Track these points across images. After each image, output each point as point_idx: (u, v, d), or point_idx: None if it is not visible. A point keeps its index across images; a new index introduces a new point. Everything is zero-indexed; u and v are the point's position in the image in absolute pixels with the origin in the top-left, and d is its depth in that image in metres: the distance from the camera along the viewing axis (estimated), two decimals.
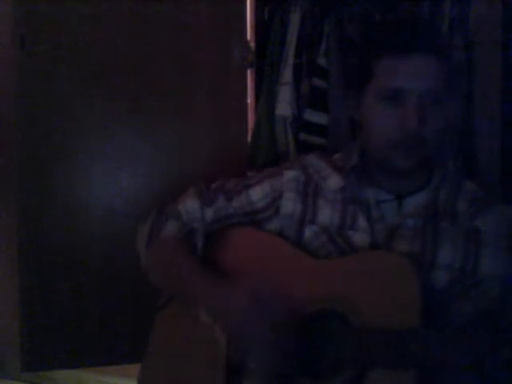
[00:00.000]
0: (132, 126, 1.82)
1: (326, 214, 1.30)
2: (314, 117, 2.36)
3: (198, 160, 1.87)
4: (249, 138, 2.35)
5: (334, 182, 1.33)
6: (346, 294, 1.18)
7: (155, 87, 1.82)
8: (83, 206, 1.79)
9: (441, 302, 1.20)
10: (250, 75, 2.50)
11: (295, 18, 2.46)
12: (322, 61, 2.37)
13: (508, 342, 1.07)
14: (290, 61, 2.46)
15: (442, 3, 2.06)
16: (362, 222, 1.27)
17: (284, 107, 2.47)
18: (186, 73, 1.85)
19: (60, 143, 1.77)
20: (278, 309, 1.18)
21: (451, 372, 1.13)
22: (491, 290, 1.22)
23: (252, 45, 2.57)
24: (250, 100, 2.49)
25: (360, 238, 1.26)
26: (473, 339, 1.09)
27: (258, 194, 1.36)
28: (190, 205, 1.40)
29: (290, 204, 1.34)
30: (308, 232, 1.30)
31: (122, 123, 1.81)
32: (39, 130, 1.76)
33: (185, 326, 1.33)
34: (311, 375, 1.20)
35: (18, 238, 1.76)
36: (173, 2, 1.83)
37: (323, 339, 1.21)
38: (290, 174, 1.36)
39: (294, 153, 2.45)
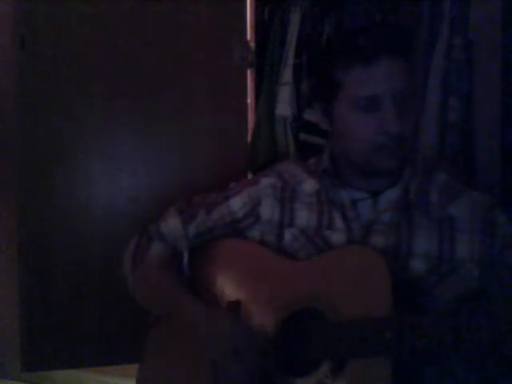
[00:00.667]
0: (132, 126, 1.82)
1: (303, 217, 1.33)
2: (314, 117, 2.36)
3: (197, 160, 1.87)
4: (249, 138, 2.35)
5: (309, 185, 1.35)
6: (323, 292, 1.21)
7: (155, 87, 1.83)
8: (83, 206, 1.79)
9: (420, 290, 1.22)
10: (250, 75, 2.50)
11: (295, 18, 2.46)
12: None
13: (487, 327, 1.09)
14: (290, 61, 2.46)
15: (442, 3, 2.06)
16: (338, 222, 1.29)
17: (284, 107, 2.47)
18: (186, 73, 1.85)
19: (60, 143, 1.77)
20: (256, 334, 1.22)
21: (428, 358, 1.16)
22: (469, 275, 1.24)
23: (252, 45, 2.57)
24: (250, 100, 2.49)
25: (338, 237, 1.28)
26: (447, 326, 1.10)
27: (237, 204, 1.39)
28: (172, 224, 1.42)
29: (268, 210, 1.36)
30: (287, 235, 1.33)
31: (122, 123, 1.81)
32: (39, 130, 1.76)
33: (179, 332, 1.34)
34: (291, 373, 1.22)
35: (18, 238, 1.76)
36: (173, 2, 1.83)
37: (302, 338, 1.24)
38: (266, 181, 1.39)
39: (294, 153, 2.45)
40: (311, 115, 2.38)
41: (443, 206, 1.27)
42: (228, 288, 1.35)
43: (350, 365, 1.15)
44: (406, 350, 1.11)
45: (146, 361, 1.41)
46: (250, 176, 2.15)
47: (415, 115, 1.29)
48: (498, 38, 1.91)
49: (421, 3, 2.11)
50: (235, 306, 1.30)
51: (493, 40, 1.92)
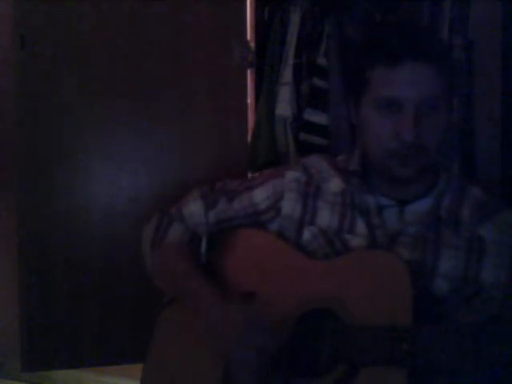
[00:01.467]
0: (132, 126, 1.82)
1: (325, 216, 1.29)
2: (314, 117, 2.37)
3: (198, 160, 1.87)
4: (249, 138, 2.35)
5: (334, 184, 1.32)
6: (340, 294, 1.18)
7: (155, 87, 1.82)
8: (83, 206, 1.79)
9: (442, 311, 1.18)
10: (250, 75, 2.51)
11: (295, 18, 2.46)
12: (321, 61, 2.37)
13: (508, 348, 1.05)
14: (290, 61, 2.46)
15: (441, 3, 2.07)
16: (360, 227, 1.26)
17: (284, 107, 2.47)
18: (186, 73, 1.85)
19: (60, 143, 1.77)
20: (270, 329, 1.19)
21: (444, 372, 1.12)
22: (494, 299, 1.20)
23: (252, 45, 2.57)
24: (250, 100, 2.49)
25: (358, 243, 1.25)
26: (468, 341, 1.07)
27: (260, 196, 1.36)
28: (193, 208, 1.40)
29: (290, 204, 1.33)
30: (307, 233, 1.30)
31: (122, 123, 1.81)
32: (39, 129, 1.76)
33: (188, 325, 1.33)
34: (304, 374, 1.20)
35: (18, 238, 1.76)
36: (173, 1, 1.83)
37: (316, 338, 1.21)
38: (291, 175, 1.35)
39: (294, 153, 2.45)
40: (311, 115, 2.38)
41: (474, 225, 1.22)
42: (245, 279, 1.33)
43: (363, 372, 1.12)
44: (422, 363, 1.08)
45: (153, 350, 1.39)
46: (250, 176, 2.15)
47: (443, 127, 1.21)
48: (497, 38, 1.91)
49: (421, 3, 2.12)
50: (250, 298, 1.28)
51: (493, 40, 1.92)
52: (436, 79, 1.17)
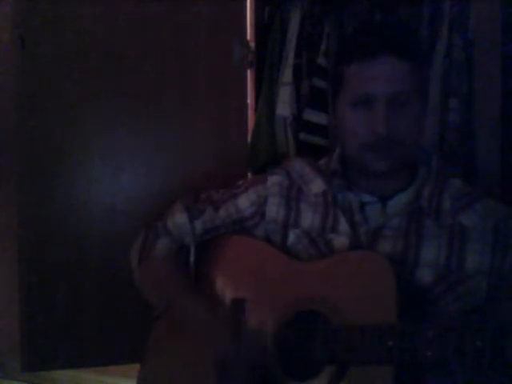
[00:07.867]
0: (132, 126, 1.82)
1: (308, 218, 1.32)
2: (314, 117, 2.37)
3: (197, 160, 1.87)
4: (249, 138, 2.35)
5: (316, 186, 1.34)
6: (328, 295, 1.20)
7: (155, 87, 1.82)
8: (83, 206, 1.79)
9: (426, 300, 1.21)
10: (250, 75, 2.50)
11: (295, 18, 2.46)
12: (321, 61, 2.37)
13: (491, 339, 1.06)
14: (290, 61, 2.46)
15: (441, 3, 2.07)
16: (343, 225, 1.28)
17: (284, 107, 2.47)
18: (186, 73, 1.85)
19: (60, 143, 1.77)
20: (260, 332, 1.22)
21: (430, 368, 1.14)
22: (478, 286, 1.21)
23: (252, 45, 2.57)
24: (249, 100, 2.49)
25: (340, 241, 1.27)
26: (453, 335, 1.08)
27: (245, 202, 1.39)
28: (179, 220, 1.42)
29: (273, 208, 1.36)
30: (291, 236, 1.33)
31: (122, 123, 1.81)
32: (39, 130, 1.76)
33: (181, 331, 1.34)
34: (294, 376, 1.21)
35: (17, 238, 1.76)
36: (173, 1, 1.83)
37: (305, 340, 1.23)
38: (273, 179, 1.38)
39: (294, 153, 2.45)
40: (311, 115, 2.38)
41: (455, 213, 1.25)
42: (233, 285, 1.34)
43: (351, 371, 1.14)
44: (407, 360, 1.09)
45: (147, 360, 1.41)
46: (250, 176, 2.15)
47: (416, 121, 1.24)
48: (497, 38, 1.91)
49: (421, 3, 2.12)
50: (239, 303, 1.30)
51: (493, 40, 1.92)
52: (409, 75, 1.19)
